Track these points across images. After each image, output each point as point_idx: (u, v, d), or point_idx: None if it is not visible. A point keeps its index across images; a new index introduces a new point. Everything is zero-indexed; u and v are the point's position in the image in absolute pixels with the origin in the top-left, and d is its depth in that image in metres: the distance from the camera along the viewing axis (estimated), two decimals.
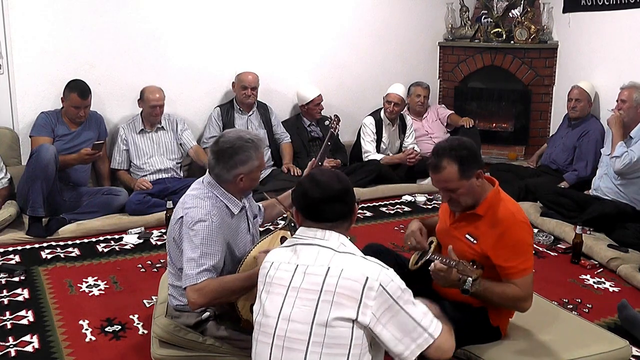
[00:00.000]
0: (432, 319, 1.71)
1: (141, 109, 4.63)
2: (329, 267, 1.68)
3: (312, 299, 1.66)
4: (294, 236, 1.85)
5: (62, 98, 4.29)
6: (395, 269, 1.93)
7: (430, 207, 4.88)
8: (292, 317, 1.67)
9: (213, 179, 2.38)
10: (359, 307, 1.62)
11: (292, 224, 2.63)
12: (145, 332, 2.82)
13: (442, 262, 2.21)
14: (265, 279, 1.79)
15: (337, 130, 3.00)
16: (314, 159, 2.81)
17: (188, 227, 2.27)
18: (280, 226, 2.64)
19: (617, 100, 4.30)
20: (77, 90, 4.22)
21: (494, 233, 2.26)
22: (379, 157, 5.24)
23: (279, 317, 1.69)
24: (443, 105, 5.97)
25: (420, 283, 2.48)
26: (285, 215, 2.71)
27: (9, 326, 2.87)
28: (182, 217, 2.31)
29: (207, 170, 2.44)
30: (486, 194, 2.32)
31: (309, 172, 1.95)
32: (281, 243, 2.48)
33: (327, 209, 1.78)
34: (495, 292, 2.25)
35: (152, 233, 4.11)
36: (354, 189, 1.92)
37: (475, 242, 2.31)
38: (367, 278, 1.64)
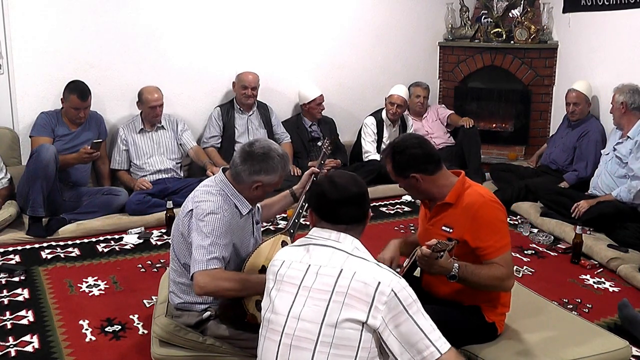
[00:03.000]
0: (440, 335, 1.70)
1: (140, 111, 4.63)
2: (341, 269, 1.69)
3: (324, 299, 1.66)
4: (306, 235, 1.84)
5: (61, 99, 4.29)
6: None
7: None
8: (302, 316, 1.68)
9: (227, 178, 2.39)
10: (369, 310, 1.63)
11: (292, 230, 2.63)
12: (145, 332, 2.82)
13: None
14: (275, 277, 1.79)
15: (329, 151, 3.15)
16: (313, 168, 2.81)
17: (198, 219, 2.27)
18: (281, 227, 2.64)
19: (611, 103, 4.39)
20: (77, 91, 4.22)
21: (467, 217, 2.29)
22: (379, 157, 5.24)
23: (288, 315, 1.70)
24: (443, 106, 5.97)
25: (411, 287, 2.50)
26: (285, 215, 2.71)
27: (9, 326, 2.87)
28: (192, 210, 2.32)
29: (221, 168, 2.46)
30: (453, 183, 2.37)
31: (323, 176, 1.95)
32: (282, 247, 2.48)
33: (343, 212, 1.80)
34: (482, 274, 2.27)
35: (152, 233, 4.11)
36: None
37: (451, 230, 2.34)
38: (379, 282, 1.64)
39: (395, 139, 2.46)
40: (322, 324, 1.65)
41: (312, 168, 2.81)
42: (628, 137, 4.20)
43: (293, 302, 1.71)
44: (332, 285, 1.67)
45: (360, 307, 1.63)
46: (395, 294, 1.64)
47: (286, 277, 1.76)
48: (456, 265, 2.25)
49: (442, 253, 2.18)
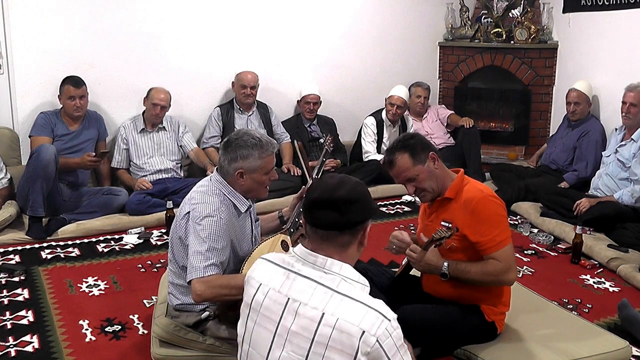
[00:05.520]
0: None
1: (144, 108, 4.63)
2: (323, 313, 1.50)
3: (303, 347, 1.51)
4: (291, 253, 1.66)
5: (58, 96, 4.30)
6: (386, 284, 2.01)
7: None
8: None
9: (220, 175, 2.38)
10: None
11: (292, 229, 2.63)
12: (145, 332, 2.82)
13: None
14: (251, 302, 1.64)
15: (331, 148, 3.08)
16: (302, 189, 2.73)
17: (195, 222, 2.27)
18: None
19: (623, 102, 4.28)
20: (70, 81, 4.24)
21: (466, 212, 2.32)
22: (379, 157, 5.24)
23: (267, 358, 1.58)
24: (443, 106, 5.97)
25: (411, 288, 2.52)
26: (284, 228, 2.69)
27: (9, 326, 2.87)
28: (188, 212, 2.32)
29: (216, 168, 2.46)
30: (453, 179, 2.41)
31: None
32: (281, 246, 2.49)
33: (321, 215, 1.59)
34: (474, 270, 2.29)
35: (152, 233, 4.11)
36: None
37: (450, 225, 2.36)
38: (363, 332, 1.46)
39: (394, 140, 2.48)
40: None
41: (301, 190, 2.70)
42: (632, 139, 4.18)
43: (271, 344, 1.57)
44: (312, 332, 1.50)
45: None
46: (380, 345, 1.46)
47: (263, 309, 1.61)
48: (445, 263, 2.27)
49: (441, 241, 2.21)
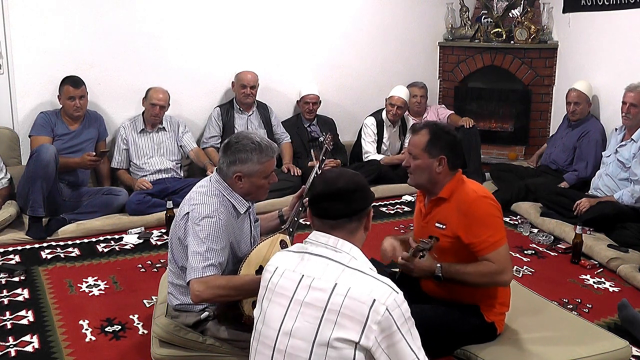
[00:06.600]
0: (425, 356, 1.65)
1: (143, 110, 4.63)
2: (335, 284, 1.60)
3: (316, 316, 1.59)
4: (306, 239, 1.76)
5: (58, 96, 4.30)
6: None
7: None
8: (293, 333, 1.61)
9: (219, 177, 2.38)
10: (363, 329, 1.54)
11: (291, 229, 2.62)
12: (145, 332, 2.82)
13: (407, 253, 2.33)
14: (267, 284, 1.73)
15: (331, 147, 3.08)
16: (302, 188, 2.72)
17: (194, 223, 2.27)
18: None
19: (623, 102, 4.28)
20: (69, 81, 4.25)
21: (460, 213, 2.31)
22: (379, 157, 5.24)
23: (279, 330, 1.64)
24: (443, 106, 5.97)
25: (410, 288, 2.52)
26: (283, 227, 2.68)
27: (9, 326, 2.87)
28: (188, 213, 2.32)
29: (216, 168, 2.46)
30: (449, 180, 2.39)
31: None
32: (280, 246, 2.48)
33: (328, 206, 1.73)
34: (468, 271, 2.29)
35: (152, 233, 4.11)
36: None
37: (444, 227, 2.36)
38: (374, 300, 1.55)
39: (440, 122, 2.46)
40: (313, 342, 1.58)
41: (300, 189, 2.68)
42: (632, 139, 4.18)
43: (284, 317, 1.64)
44: (324, 301, 1.59)
45: (353, 326, 1.55)
46: (390, 313, 1.55)
47: (278, 287, 1.69)
48: (438, 265, 2.27)
49: (423, 252, 2.20)
